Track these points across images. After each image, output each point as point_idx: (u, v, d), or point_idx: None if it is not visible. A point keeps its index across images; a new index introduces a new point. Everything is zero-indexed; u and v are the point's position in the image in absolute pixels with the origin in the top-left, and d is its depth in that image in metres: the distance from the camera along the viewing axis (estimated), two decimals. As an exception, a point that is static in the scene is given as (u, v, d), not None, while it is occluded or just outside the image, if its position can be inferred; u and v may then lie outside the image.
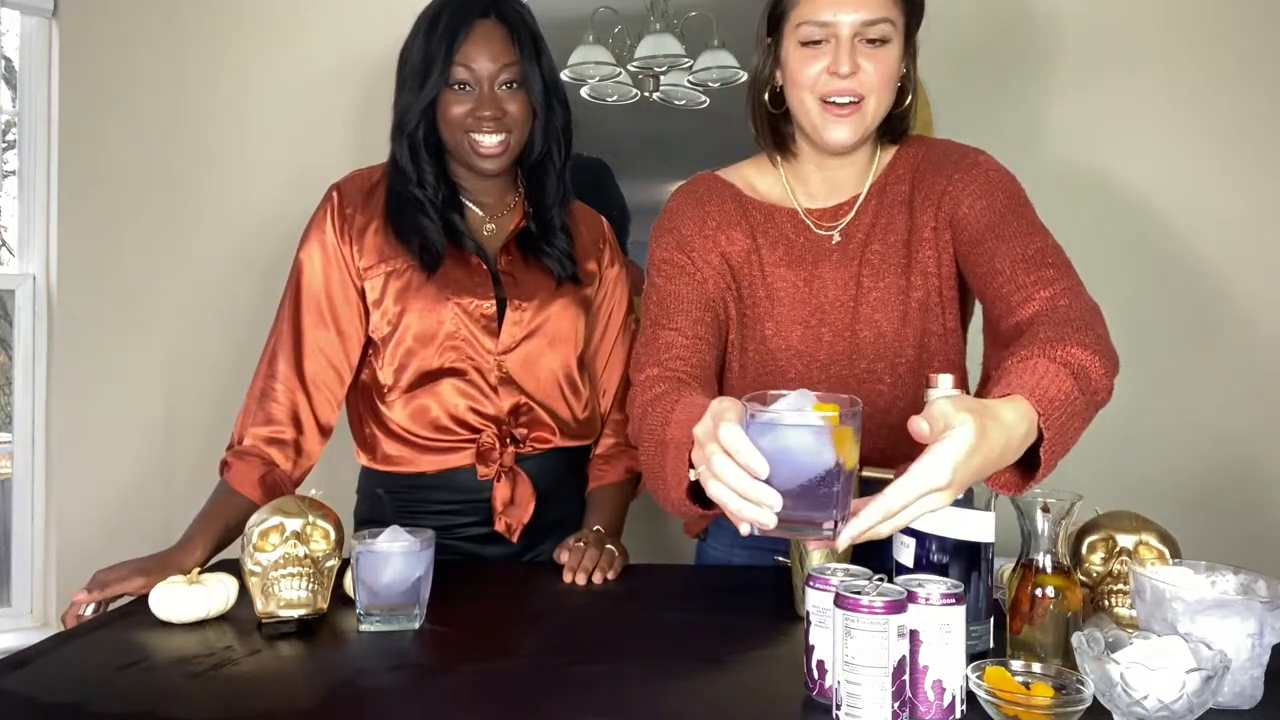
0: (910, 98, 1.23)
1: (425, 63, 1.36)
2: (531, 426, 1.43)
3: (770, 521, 0.75)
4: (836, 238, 1.27)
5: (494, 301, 1.40)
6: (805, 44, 1.16)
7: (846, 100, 1.16)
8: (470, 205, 1.47)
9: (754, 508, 0.76)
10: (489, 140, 1.37)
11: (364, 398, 1.45)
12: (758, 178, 1.31)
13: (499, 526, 1.41)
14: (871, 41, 1.14)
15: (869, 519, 0.77)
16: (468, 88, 1.36)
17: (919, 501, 0.78)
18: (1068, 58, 1.99)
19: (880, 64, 1.15)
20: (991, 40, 1.98)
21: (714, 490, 0.78)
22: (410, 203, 1.40)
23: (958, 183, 1.22)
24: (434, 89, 1.36)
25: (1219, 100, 1.96)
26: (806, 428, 0.75)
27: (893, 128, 1.26)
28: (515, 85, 1.38)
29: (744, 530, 0.79)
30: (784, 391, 0.79)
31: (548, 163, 1.46)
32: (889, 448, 1.16)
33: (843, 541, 0.78)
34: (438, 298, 1.38)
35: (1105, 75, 1.98)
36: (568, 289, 1.46)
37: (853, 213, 1.27)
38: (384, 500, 1.43)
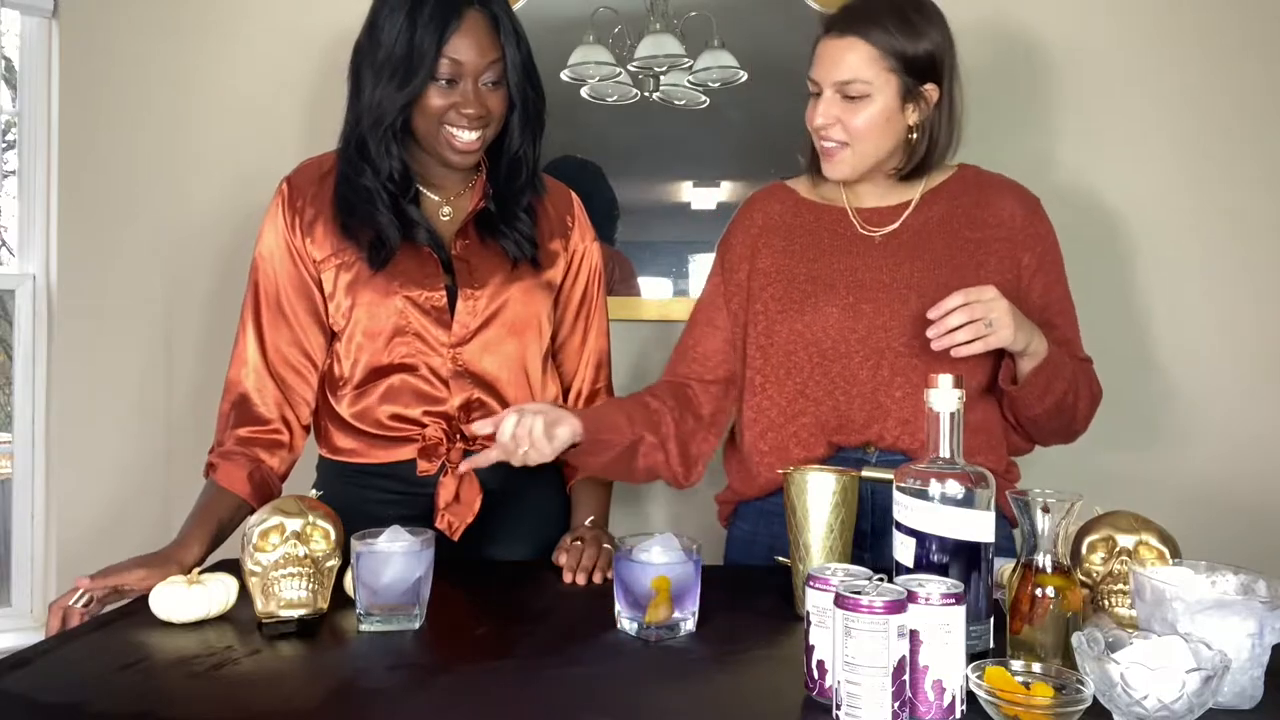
0: (920, 140, 1.35)
1: (409, 54, 1.30)
2: None
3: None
4: (878, 239, 1.39)
5: (443, 292, 1.37)
6: (810, 94, 1.37)
7: (832, 144, 1.35)
8: (426, 191, 1.43)
9: None
10: (466, 136, 1.34)
11: (320, 388, 1.43)
12: (820, 182, 1.46)
13: (440, 524, 1.36)
14: (850, 98, 1.32)
15: (943, 305, 1.19)
16: (452, 80, 1.31)
17: (970, 304, 1.18)
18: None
19: (856, 115, 1.32)
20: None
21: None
22: (363, 195, 1.36)
23: (1033, 245, 1.38)
24: (421, 84, 1.30)
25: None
26: (636, 564, 1.07)
27: (915, 164, 1.37)
28: (498, 81, 1.34)
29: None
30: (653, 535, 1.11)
31: (522, 156, 1.42)
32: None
33: None
34: (386, 290, 1.35)
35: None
36: (526, 272, 1.41)
37: (897, 223, 1.40)
38: (334, 489, 1.39)
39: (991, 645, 0.98)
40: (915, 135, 1.35)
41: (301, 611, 1.07)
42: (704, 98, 2.00)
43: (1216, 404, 1.96)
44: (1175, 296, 1.97)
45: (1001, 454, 1.39)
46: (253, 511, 1.18)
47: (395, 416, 1.38)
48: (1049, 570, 0.93)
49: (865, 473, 1.19)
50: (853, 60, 1.30)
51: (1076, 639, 0.84)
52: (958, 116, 1.38)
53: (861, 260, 1.38)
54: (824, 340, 1.35)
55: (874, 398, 1.33)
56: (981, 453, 1.34)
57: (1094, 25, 1.99)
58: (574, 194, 1.56)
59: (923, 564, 0.97)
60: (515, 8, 1.92)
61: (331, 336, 1.42)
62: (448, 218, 1.43)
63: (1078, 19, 1.99)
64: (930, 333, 1.20)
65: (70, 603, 1.14)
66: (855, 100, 1.31)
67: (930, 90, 1.33)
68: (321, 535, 1.11)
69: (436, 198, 1.43)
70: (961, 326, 1.19)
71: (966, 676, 0.84)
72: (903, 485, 0.99)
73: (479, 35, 1.31)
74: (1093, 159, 1.98)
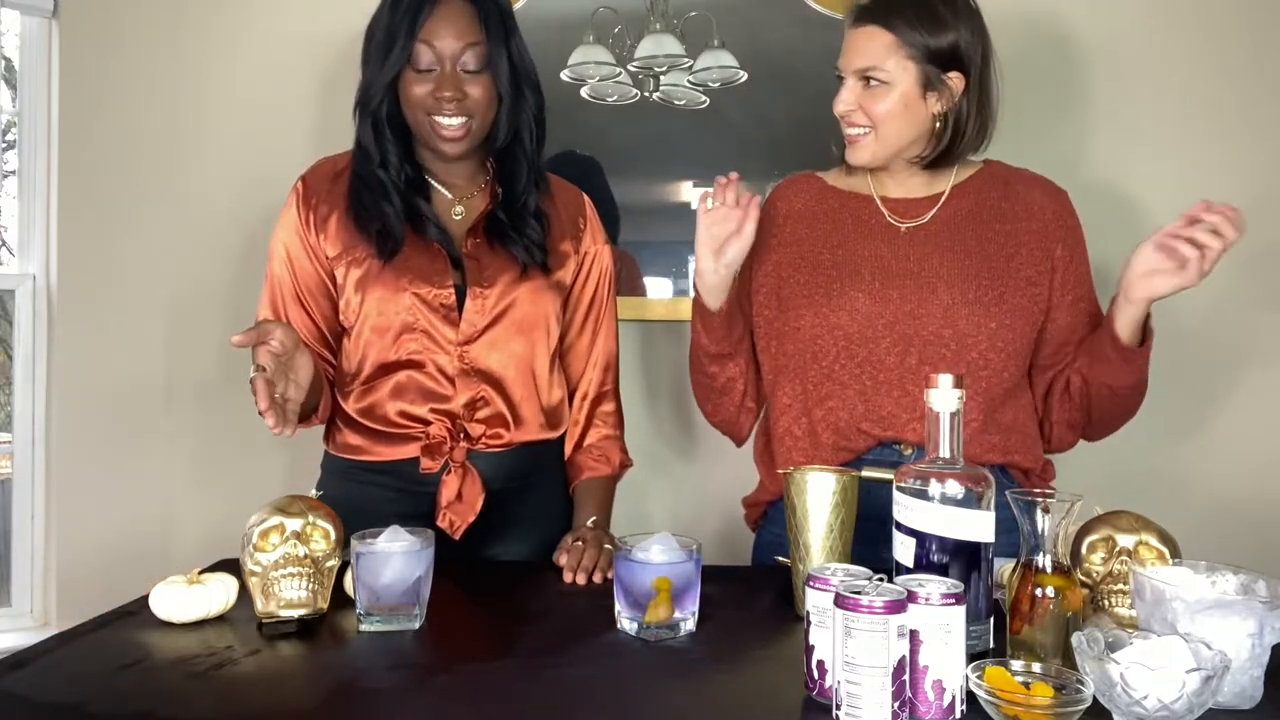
0: (944, 128, 1.35)
1: (388, 39, 1.34)
2: (489, 423, 1.40)
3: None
4: (904, 231, 1.40)
5: (452, 290, 1.37)
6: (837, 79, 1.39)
7: (855, 131, 1.37)
8: (438, 187, 1.44)
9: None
10: (449, 122, 1.34)
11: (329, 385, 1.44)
12: (849, 173, 1.47)
13: (441, 522, 1.36)
14: (870, 86, 1.33)
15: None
16: (430, 67, 1.34)
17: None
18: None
19: (876, 103, 1.33)
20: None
21: None
22: (373, 186, 1.38)
23: (1065, 236, 1.39)
24: (396, 66, 1.33)
25: (1238, 110, 1.95)
26: (636, 564, 1.07)
27: (940, 152, 1.37)
28: (479, 67, 1.35)
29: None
30: (653, 534, 1.10)
31: (516, 149, 1.42)
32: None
33: None
34: (395, 286, 1.36)
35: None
36: (536, 272, 1.42)
37: (925, 217, 1.40)
38: (337, 486, 1.41)
39: (991, 645, 0.98)
40: (939, 124, 1.35)
41: (301, 611, 1.06)
42: (704, 98, 2.00)
43: (1247, 404, 1.95)
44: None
45: (1037, 453, 1.40)
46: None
47: (401, 413, 1.38)
48: (1049, 570, 0.93)
49: (865, 473, 1.18)
50: (871, 48, 1.32)
51: (1076, 639, 0.84)
52: (991, 107, 1.38)
53: (888, 248, 1.38)
54: (850, 326, 1.35)
55: (901, 385, 1.33)
56: (1018, 451, 1.35)
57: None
58: (585, 196, 1.56)
59: (923, 564, 0.97)
60: (515, 8, 1.93)
61: (341, 333, 1.43)
62: (460, 217, 1.44)
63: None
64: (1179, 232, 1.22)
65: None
66: (875, 87, 1.33)
67: (954, 79, 1.33)
68: (321, 535, 1.11)
69: (450, 196, 1.44)
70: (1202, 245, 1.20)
71: (966, 676, 0.84)
72: (903, 485, 0.99)
73: (455, 20, 1.33)
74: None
